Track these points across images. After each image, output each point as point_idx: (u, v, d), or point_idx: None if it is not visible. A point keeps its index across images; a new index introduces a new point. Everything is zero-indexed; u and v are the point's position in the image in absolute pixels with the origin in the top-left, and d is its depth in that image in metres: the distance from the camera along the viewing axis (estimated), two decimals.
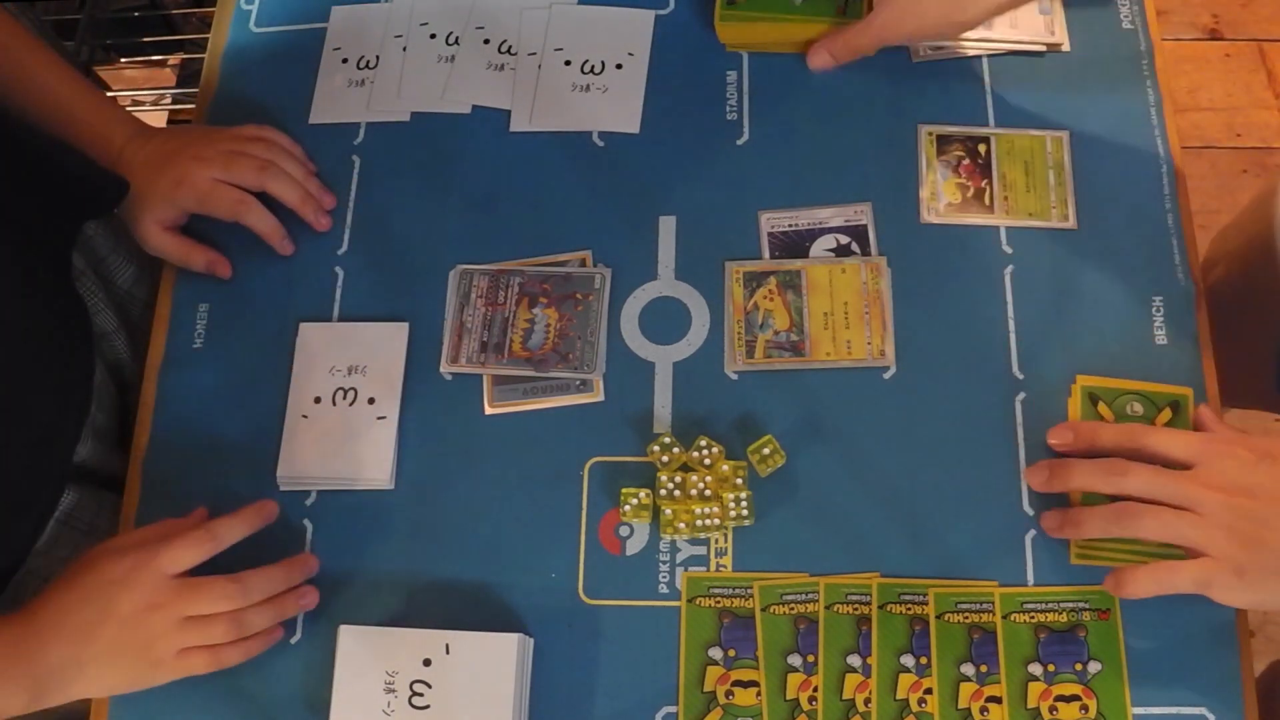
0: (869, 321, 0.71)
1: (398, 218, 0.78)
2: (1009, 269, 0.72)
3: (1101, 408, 0.67)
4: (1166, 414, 0.67)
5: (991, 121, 0.76)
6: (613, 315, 0.73)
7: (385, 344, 0.73)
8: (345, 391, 0.72)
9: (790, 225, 0.74)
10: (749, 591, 0.66)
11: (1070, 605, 0.64)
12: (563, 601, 0.67)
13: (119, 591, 0.61)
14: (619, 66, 0.80)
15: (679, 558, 0.67)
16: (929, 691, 0.63)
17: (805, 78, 0.78)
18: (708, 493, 0.66)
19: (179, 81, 1.65)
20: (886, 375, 0.70)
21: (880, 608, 0.65)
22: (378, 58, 0.82)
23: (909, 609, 0.65)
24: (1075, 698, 0.62)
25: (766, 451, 0.67)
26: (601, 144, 0.78)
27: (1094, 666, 0.63)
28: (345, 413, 0.71)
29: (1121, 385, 0.68)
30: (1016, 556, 0.66)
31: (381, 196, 0.79)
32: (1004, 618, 0.64)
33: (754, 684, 0.64)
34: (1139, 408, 0.67)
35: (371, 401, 0.71)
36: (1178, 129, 0.76)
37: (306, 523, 0.70)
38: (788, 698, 0.63)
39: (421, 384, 0.72)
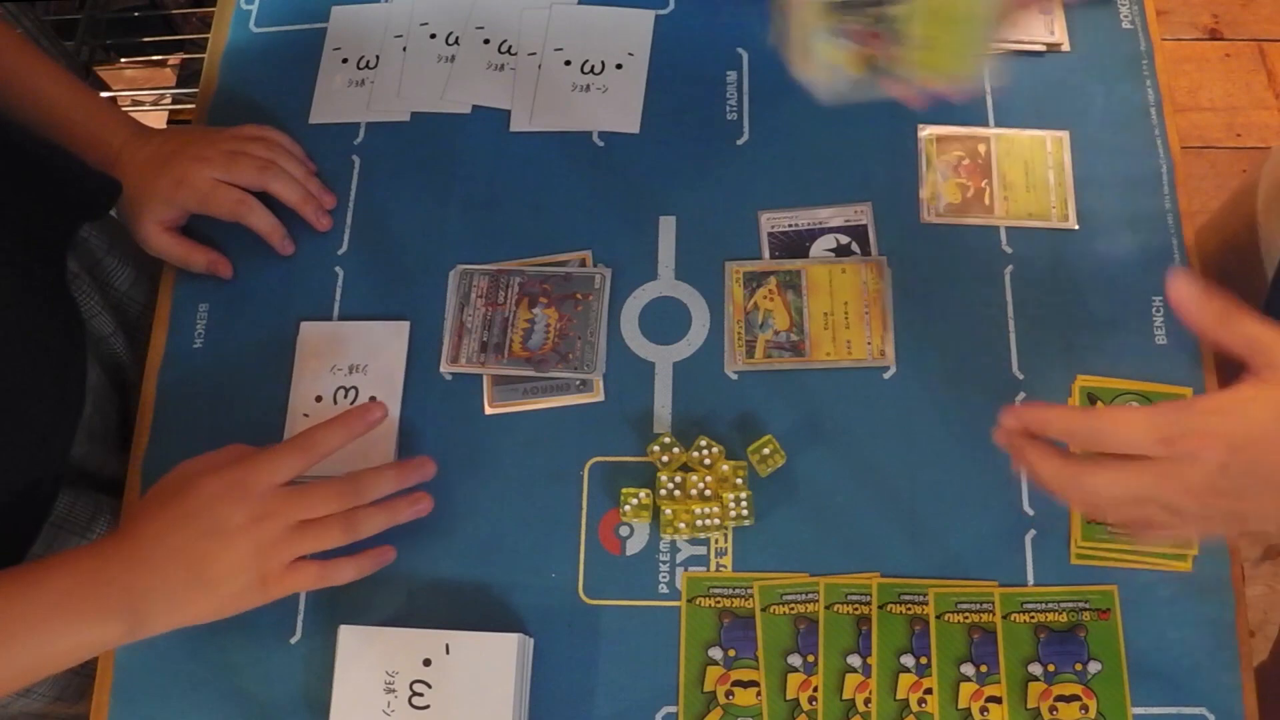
0: (869, 321, 0.71)
1: (398, 218, 0.78)
2: (1009, 269, 0.72)
3: (1101, 407, 0.67)
4: None
5: (991, 121, 0.76)
6: (613, 315, 0.73)
7: (386, 343, 0.73)
8: (346, 390, 0.72)
9: (790, 225, 0.74)
10: (749, 591, 0.66)
11: (1070, 605, 0.64)
12: (563, 601, 0.67)
13: (222, 506, 0.59)
14: (619, 66, 0.80)
15: (679, 558, 0.67)
16: (929, 691, 0.63)
17: None
18: (708, 493, 0.66)
19: (179, 81, 1.65)
20: (886, 375, 0.70)
21: (880, 608, 0.65)
22: (378, 58, 0.82)
23: (909, 609, 0.65)
24: (1075, 698, 0.62)
25: (766, 451, 0.67)
26: (601, 144, 0.78)
27: (1094, 666, 0.63)
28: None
29: (1121, 385, 0.68)
30: (1016, 556, 0.66)
31: (381, 196, 0.79)
32: (1004, 618, 0.64)
33: (754, 684, 0.64)
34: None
35: (373, 400, 0.71)
36: (1178, 129, 0.76)
37: None
38: (788, 698, 0.63)
39: (421, 384, 0.72)
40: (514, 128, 0.79)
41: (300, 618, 0.68)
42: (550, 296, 0.73)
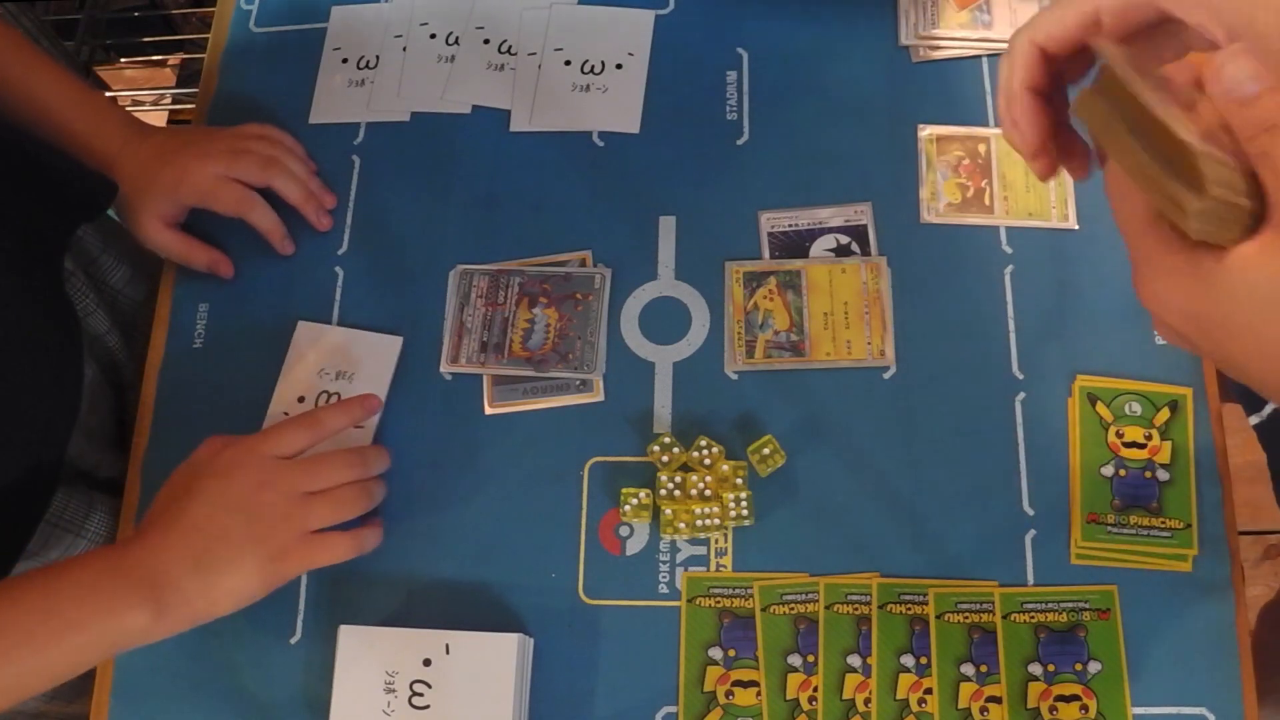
0: (869, 321, 0.71)
1: (398, 218, 0.78)
2: (1009, 269, 0.72)
3: (1100, 407, 0.67)
4: (1165, 414, 0.67)
5: (991, 121, 0.76)
6: (613, 315, 0.73)
7: (377, 354, 0.73)
8: (330, 395, 0.72)
9: (790, 225, 0.74)
10: (749, 591, 0.66)
11: (1070, 605, 0.64)
12: (563, 601, 0.67)
13: (226, 481, 0.60)
14: (619, 66, 0.80)
15: (679, 558, 0.67)
16: (929, 691, 0.63)
17: (805, 78, 0.78)
18: (708, 493, 0.66)
19: (179, 81, 1.65)
20: (886, 375, 0.70)
21: (880, 608, 0.65)
22: (378, 58, 0.82)
23: (909, 609, 0.65)
24: (1075, 698, 0.62)
25: (766, 451, 0.67)
26: (601, 144, 0.78)
27: (1094, 666, 0.63)
28: None
29: (1121, 385, 0.68)
30: (1016, 556, 0.66)
31: (381, 196, 0.79)
32: (1004, 618, 0.64)
33: (754, 684, 0.64)
34: (1138, 408, 0.67)
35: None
36: None
37: None
38: (788, 698, 0.63)
39: (421, 384, 0.72)
40: (514, 128, 0.79)
41: (300, 618, 0.68)
42: (550, 296, 0.73)
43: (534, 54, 0.81)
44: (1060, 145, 0.45)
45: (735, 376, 0.71)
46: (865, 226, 0.74)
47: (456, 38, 0.82)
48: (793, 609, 0.65)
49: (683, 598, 0.66)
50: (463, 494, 0.70)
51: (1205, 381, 0.68)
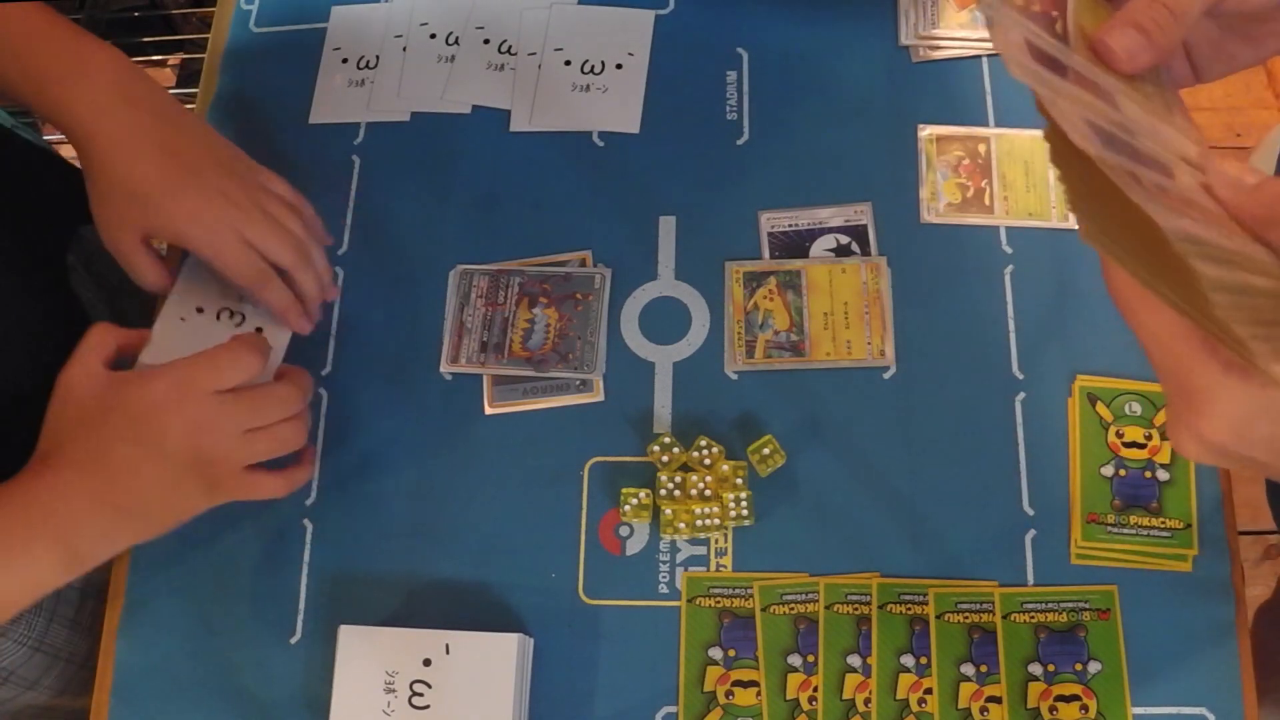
0: (869, 321, 0.71)
1: (398, 218, 0.78)
2: (1009, 269, 0.72)
3: (1100, 407, 0.67)
4: (1165, 414, 0.67)
5: (991, 121, 0.76)
6: (613, 315, 0.73)
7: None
8: (233, 314, 0.66)
9: (790, 225, 0.74)
10: (749, 591, 0.66)
11: (1070, 605, 0.64)
12: (563, 601, 0.67)
13: (160, 425, 0.53)
14: (619, 66, 0.80)
15: (679, 558, 0.67)
16: (929, 691, 0.63)
17: (805, 78, 0.78)
18: (708, 493, 0.66)
19: (179, 81, 1.65)
20: (886, 375, 0.70)
21: (880, 608, 0.65)
22: (378, 58, 0.82)
23: (909, 609, 0.65)
24: (1075, 698, 0.62)
25: (766, 451, 0.67)
26: (601, 144, 0.78)
27: (1094, 666, 0.63)
28: (226, 330, 0.65)
29: (1121, 385, 0.68)
30: (1016, 556, 0.66)
31: (381, 196, 0.79)
32: (1004, 618, 0.64)
33: (754, 684, 0.64)
34: (1138, 408, 0.67)
35: (259, 331, 0.66)
36: None
37: (306, 523, 0.70)
38: (788, 698, 0.63)
39: (421, 384, 0.72)
40: (514, 128, 0.79)
41: (300, 618, 0.68)
42: (550, 296, 0.73)
43: (534, 54, 0.81)
44: None
45: (735, 376, 0.71)
46: (865, 226, 0.74)
47: (456, 38, 0.82)
48: (793, 609, 0.65)
49: (683, 598, 0.66)
50: (463, 494, 0.70)
51: None
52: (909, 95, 0.77)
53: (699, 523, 0.66)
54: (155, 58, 1.64)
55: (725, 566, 0.67)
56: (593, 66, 0.80)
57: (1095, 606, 0.64)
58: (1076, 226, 0.72)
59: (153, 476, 0.54)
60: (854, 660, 0.64)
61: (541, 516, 0.69)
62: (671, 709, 0.64)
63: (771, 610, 0.65)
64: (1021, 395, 0.69)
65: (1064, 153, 0.33)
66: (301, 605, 0.68)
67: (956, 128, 0.76)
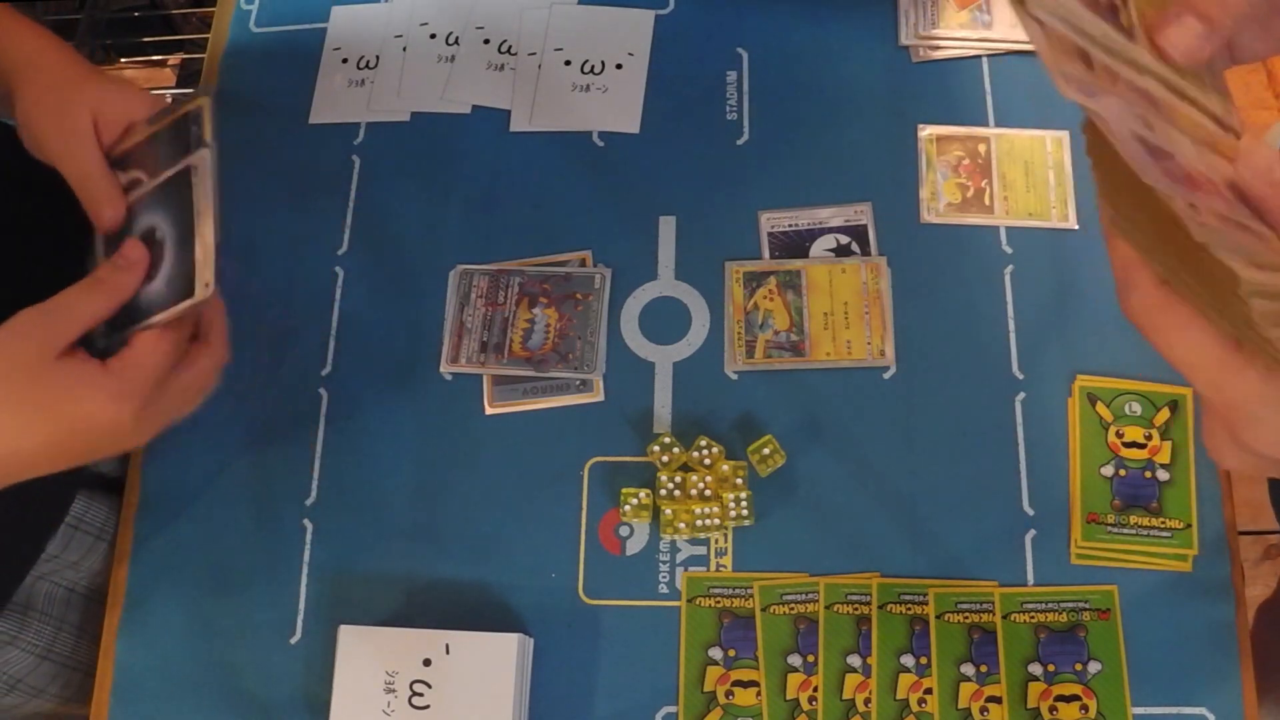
0: (869, 321, 0.71)
1: (398, 218, 0.78)
2: (1009, 269, 0.72)
3: (1100, 407, 0.67)
4: (1165, 414, 0.67)
5: (991, 121, 0.76)
6: (613, 315, 0.73)
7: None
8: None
9: (790, 225, 0.74)
10: (749, 591, 0.66)
11: (1070, 605, 0.64)
12: (563, 601, 0.67)
13: (85, 445, 0.53)
14: (619, 66, 0.80)
15: (679, 558, 0.67)
16: (929, 691, 0.63)
17: (805, 78, 0.78)
18: (708, 493, 0.66)
19: (179, 81, 1.65)
20: (886, 375, 0.70)
21: (880, 608, 0.65)
22: (378, 58, 0.82)
23: (909, 609, 0.65)
24: (1075, 698, 0.62)
25: (766, 451, 0.67)
26: (601, 144, 0.78)
27: (1094, 666, 0.63)
28: None
29: (1121, 385, 0.68)
30: (1016, 556, 0.66)
31: (381, 196, 0.79)
32: (1004, 618, 0.64)
33: (754, 684, 0.64)
34: (1138, 408, 0.67)
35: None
36: None
37: (306, 523, 0.70)
38: (788, 698, 0.63)
39: (421, 384, 0.72)
40: (514, 128, 0.79)
41: (300, 618, 0.68)
42: (550, 296, 0.73)
43: (534, 54, 0.81)
44: None
45: (735, 376, 0.71)
46: (865, 226, 0.74)
47: (456, 38, 0.82)
48: (793, 609, 0.65)
49: (683, 598, 0.66)
50: (463, 494, 0.70)
51: None
52: (909, 95, 0.77)
53: (699, 523, 0.66)
54: (155, 58, 1.64)
55: (725, 566, 0.67)
56: (593, 66, 0.80)
57: (1095, 606, 0.64)
58: (1076, 226, 0.72)
59: (47, 465, 0.54)
60: (854, 660, 0.64)
61: (541, 516, 0.69)
62: (671, 709, 0.64)
63: (771, 610, 0.65)
64: (1021, 395, 0.69)
65: (1100, 147, 0.32)
66: (301, 605, 0.68)
67: (956, 128, 0.76)
